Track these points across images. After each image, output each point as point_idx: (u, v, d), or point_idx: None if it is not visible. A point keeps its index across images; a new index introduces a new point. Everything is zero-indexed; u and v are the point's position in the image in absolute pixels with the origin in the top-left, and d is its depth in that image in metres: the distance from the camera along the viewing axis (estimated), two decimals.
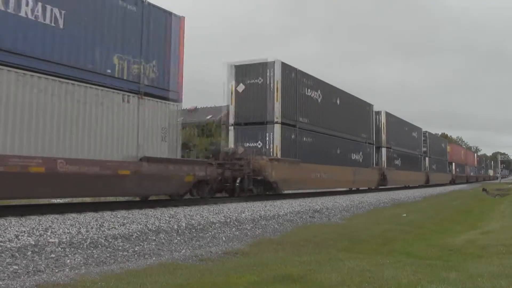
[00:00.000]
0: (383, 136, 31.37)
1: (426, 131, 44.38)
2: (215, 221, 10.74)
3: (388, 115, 32.61)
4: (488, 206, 23.32)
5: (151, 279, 5.25)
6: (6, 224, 7.95)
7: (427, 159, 43.52)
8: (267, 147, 18.25)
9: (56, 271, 5.82)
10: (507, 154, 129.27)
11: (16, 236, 7.12)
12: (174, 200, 13.77)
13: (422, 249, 8.86)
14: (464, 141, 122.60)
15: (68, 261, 6.38)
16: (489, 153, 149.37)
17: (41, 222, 8.36)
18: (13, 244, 6.72)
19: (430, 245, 9.34)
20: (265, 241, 8.74)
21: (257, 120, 18.54)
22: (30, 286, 4.85)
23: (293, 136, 19.37)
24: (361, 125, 27.32)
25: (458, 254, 8.31)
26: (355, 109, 26.62)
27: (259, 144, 18.40)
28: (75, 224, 8.49)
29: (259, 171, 16.92)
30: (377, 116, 31.31)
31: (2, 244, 6.64)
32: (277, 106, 18.29)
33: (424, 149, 43.03)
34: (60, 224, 8.38)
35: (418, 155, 40.29)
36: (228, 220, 11.08)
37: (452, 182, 54.37)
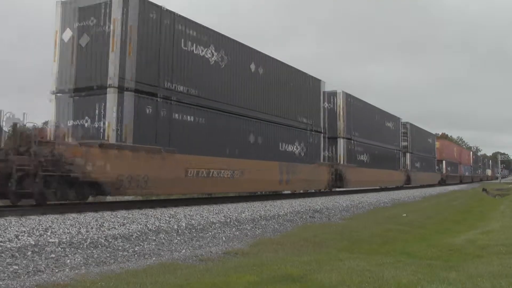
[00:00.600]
0: (341, 124, 24.24)
1: (407, 122, 37.20)
2: (215, 221, 10.74)
3: (348, 97, 25.28)
4: (488, 206, 23.31)
5: (151, 279, 5.25)
6: (6, 224, 7.96)
7: (408, 155, 36.67)
8: (96, 125, 11.95)
9: (56, 271, 5.82)
10: (507, 154, 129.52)
11: (16, 236, 7.13)
12: (175, 200, 13.75)
13: (422, 249, 8.85)
14: (464, 141, 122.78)
15: (68, 261, 6.38)
16: (489, 153, 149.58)
17: (41, 222, 8.36)
18: (13, 244, 6.72)
19: (430, 245, 9.33)
20: (265, 241, 8.74)
21: (87, 85, 12.16)
22: (30, 286, 4.85)
23: (149, 110, 12.37)
24: (302, 107, 20.07)
25: (458, 254, 8.31)
26: (291, 84, 19.32)
27: (86, 121, 12.15)
28: (75, 224, 8.50)
29: (59, 164, 10.46)
30: (332, 98, 24.24)
31: (2, 244, 6.64)
32: (113, 59, 11.70)
33: (404, 143, 36.11)
34: (60, 224, 8.38)
35: (394, 150, 33.19)
36: (228, 220, 11.08)
37: (442, 182, 48.01)
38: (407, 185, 35.91)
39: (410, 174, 36.36)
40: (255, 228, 10.79)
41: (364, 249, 8.65)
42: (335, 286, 5.17)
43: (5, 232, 7.27)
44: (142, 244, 7.93)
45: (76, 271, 5.78)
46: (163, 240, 8.41)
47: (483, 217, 17.40)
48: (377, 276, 5.55)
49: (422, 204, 21.39)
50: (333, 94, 24.46)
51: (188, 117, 13.62)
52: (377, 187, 31.46)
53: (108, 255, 6.97)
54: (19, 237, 7.13)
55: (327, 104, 23.35)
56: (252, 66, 16.74)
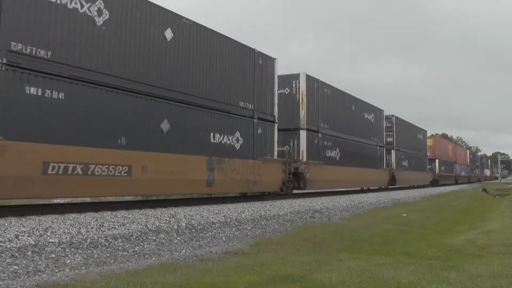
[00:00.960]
0: (303, 113, 20.02)
1: (392, 115, 33.33)
2: (215, 221, 10.75)
3: (313, 81, 21.00)
4: (488, 206, 23.31)
5: (151, 279, 5.25)
6: (6, 224, 7.96)
7: (393, 152, 32.74)
8: None
9: (56, 271, 5.83)
10: (507, 154, 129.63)
11: (16, 236, 7.13)
12: (175, 200, 13.77)
13: (422, 249, 8.86)
14: (464, 141, 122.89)
15: (68, 261, 6.38)
16: (489, 153, 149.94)
17: (41, 222, 8.36)
18: (13, 244, 6.72)
19: (430, 245, 9.34)
20: (265, 241, 8.75)
21: None
22: (30, 286, 4.85)
23: None
24: (242, 88, 15.87)
25: (458, 254, 8.32)
26: (226, 58, 15.15)
27: None
28: (75, 224, 8.50)
29: None
30: (291, 82, 20.19)
31: (2, 244, 6.64)
32: None
33: (389, 139, 32.38)
34: (60, 224, 8.39)
35: (376, 146, 28.97)
36: (228, 220, 11.08)
37: (435, 183, 44.70)
38: (392, 186, 32.33)
39: (395, 174, 32.26)
40: (255, 228, 10.80)
41: (364, 249, 8.65)
42: (335, 286, 5.17)
43: (5, 232, 7.27)
44: (142, 244, 7.93)
45: (76, 271, 5.79)
46: (163, 240, 8.42)
47: (483, 217, 17.40)
48: (377, 276, 5.55)
49: (422, 204, 21.40)
50: (293, 77, 20.22)
51: (32, 89, 9.44)
52: (355, 189, 27.74)
53: (108, 255, 6.98)
54: (19, 237, 7.13)
55: (285, 89, 19.83)
56: (155, 29, 12.47)
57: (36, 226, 7.99)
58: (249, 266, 6.19)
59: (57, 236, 7.49)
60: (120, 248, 7.47)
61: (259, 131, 16.67)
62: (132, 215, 10.33)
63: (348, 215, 14.98)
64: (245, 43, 16.21)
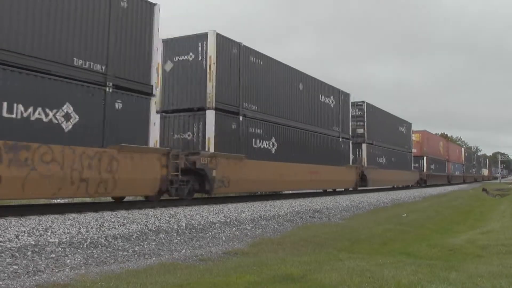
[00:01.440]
0: (209, 86, 14.42)
1: (363, 102, 27.73)
2: (215, 221, 10.75)
3: (227, 43, 15.25)
4: (488, 206, 23.33)
5: (151, 279, 5.25)
6: (6, 224, 7.96)
7: (364, 146, 27.21)
8: None
9: (56, 271, 5.83)
10: (507, 154, 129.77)
11: (16, 236, 7.13)
12: (174, 200, 13.77)
13: (422, 249, 8.86)
14: (464, 141, 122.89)
15: (68, 261, 6.38)
16: (489, 153, 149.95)
17: (41, 222, 8.36)
18: (13, 244, 6.72)
19: (430, 245, 9.34)
20: (265, 241, 8.74)
21: None
22: (30, 286, 4.85)
23: None
24: (80, 38, 10.58)
25: (458, 254, 8.33)
26: None
27: None
28: (75, 224, 8.50)
29: None
30: (195, 44, 14.86)
31: (2, 244, 6.64)
32: None
33: (360, 130, 27.19)
34: (60, 224, 8.39)
35: (338, 137, 23.43)
36: (228, 220, 11.08)
37: (422, 183, 39.71)
38: (363, 188, 26.49)
39: (365, 172, 26.31)
40: (255, 228, 10.79)
41: (364, 249, 8.66)
42: (335, 286, 5.17)
43: (5, 232, 7.28)
44: (142, 244, 7.93)
45: (76, 271, 5.79)
46: (163, 240, 8.42)
47: (483, 217, 17.41)
48: (377, 276, 5.55)
49: (422, 204, 21.40)
50: (199, 37, 14.83)
51: None
52: (307, 191, 22.02)
53: (108, 255, 6.98)
54: (19, 237, 7.13)
55: (189, 55, 14.92)
56: None
57: (36, 226, 7.99)
58: (249, 266, 6.19)
59: (57, 236, 7.50)
60: (120, 248, 7.47)
61: (117, 106, 11.42)
62: (132, 215, 10.33)
63: (348, 215, 14.98)
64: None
